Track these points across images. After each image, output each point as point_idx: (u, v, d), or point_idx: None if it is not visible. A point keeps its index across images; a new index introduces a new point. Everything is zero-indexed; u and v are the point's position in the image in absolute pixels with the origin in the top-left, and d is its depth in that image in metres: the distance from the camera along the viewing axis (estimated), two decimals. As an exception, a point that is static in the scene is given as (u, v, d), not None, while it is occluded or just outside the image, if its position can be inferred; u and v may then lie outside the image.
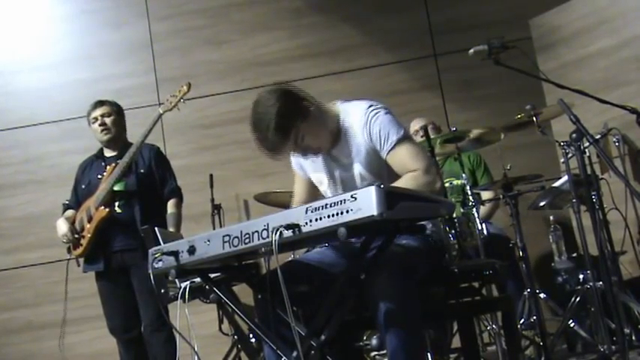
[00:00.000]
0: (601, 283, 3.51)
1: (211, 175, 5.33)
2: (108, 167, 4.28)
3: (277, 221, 2.23)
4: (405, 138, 2.67)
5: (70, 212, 4.36)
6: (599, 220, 3.12)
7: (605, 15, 4.84)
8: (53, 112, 5.87)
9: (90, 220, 4.18)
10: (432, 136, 4.52)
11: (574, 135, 2.91)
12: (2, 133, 5.86)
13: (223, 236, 2.40)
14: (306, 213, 2.17)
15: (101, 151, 4.46)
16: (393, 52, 5.81)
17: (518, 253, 3.75)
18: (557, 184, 4.00)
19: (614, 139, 4.47)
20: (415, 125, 4.75)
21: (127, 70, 5.90)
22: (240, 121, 5.72)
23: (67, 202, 4.46)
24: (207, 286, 2.85)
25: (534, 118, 3.87)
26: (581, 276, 3.80)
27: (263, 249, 2.34)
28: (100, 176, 4.30)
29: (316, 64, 5.86)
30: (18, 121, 5.87)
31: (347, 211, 2.07)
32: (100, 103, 4.41)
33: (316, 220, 2.14)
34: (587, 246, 3.55)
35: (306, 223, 2.16)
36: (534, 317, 3.69)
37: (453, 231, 3.74)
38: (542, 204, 4.03)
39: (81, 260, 4.29)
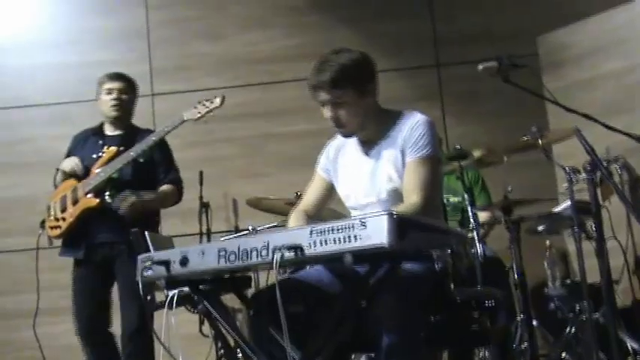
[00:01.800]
0: (597, 314, 3.46)
1: (201, 172, 5.18)
2: (107, 148, 3.99)
3: (279, 240, 2.11)
4: (434, 160, 2.62)
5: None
6: (605, 254, 3.02)
7: (618, 36, 4.76)
8: (42, 95, 5.73)
9: (75, 202, 3.90)
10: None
11: (588, 166, 2.81)
12: (-9, 112, 5.72)
13: (219, 250, 2.28)
14: (311, 235, 2.05)
15: (101, 127, 4.14)
16: (394, 58, 5.68)
17: (514, 279, 3.66)
18: (557, 209, 3.92)
19: (617, 166, 4.39)
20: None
21: (121, 57, 5.71)
22: (232, 118, 5.64)
23: (58, 169, 4.11)
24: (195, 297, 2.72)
25: (539, 141, 3.77)
26: (577, 306, 3.70)
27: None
28: (95, 155, 4.00)
29: (311, 65, 5.71)
30: (5, 101, 5.71)
31: (355, 238, 1.96)
32: (119, 77, 4.10)
33: (321, 243, 2.02)
34: (585, 276, 3.49)
35: (310, 246, 2.04)
36: (525, 344, 3.60)
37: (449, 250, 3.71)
38: (540, 229, 3.94)
39: (53, 239, 4.00)
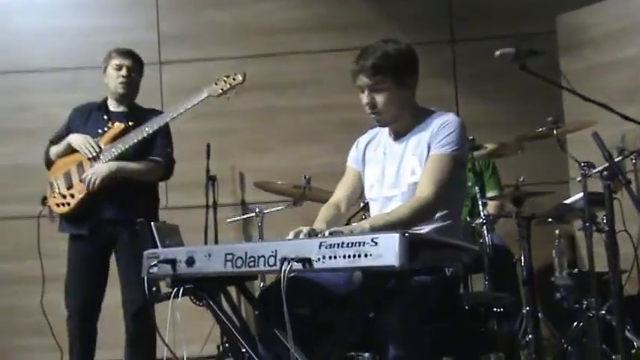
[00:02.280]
0: (603, 311, 3.44)
1: (208, 145, 5.12)
2: (113, 124, 3.94)
3: (287, 250, 2.07)
4: (457, 159, 2.60)
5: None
6: (616, 255, 2.97)
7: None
8: (48, 60, 5.65)
9: (83, 180, 3.85)
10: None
11: (605, 173, 2.75)
12: (-3, 76, 5.65)
13: (226, 254, 2.25)
14: (320, 248, 2.01)
15: (105, 102, 4.08)
16: (409, 33, 5.48)
17: (522, 274, 3.61)
18: (569, 201, 3.85)
19: (632, 157, 4.31)
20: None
21: (129, 23, 5.65)
22: (244, 89, 5.52)
23: (53, 141, 4.09)
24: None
25: (554, 131, 3.71)
26: (584, 301, 3.67)
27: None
28: (100, 130, 3.95)
29: (326, 37, 5.64)
30: (10, 64, 5.64)
31: (365, 255, 1.91)
32: (130, 54, 4.05)
33: (330, 257, 1.98)
34: (594, 271, 3.45)
35: (319, 259, 2.00)
36: (529, 337, 3.58)
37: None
38: (550, 219, 3.89)
39: (56, 216, 3.98)
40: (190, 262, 2.34)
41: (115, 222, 3.89)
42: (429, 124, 2.65)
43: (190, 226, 5.15)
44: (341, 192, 2.88)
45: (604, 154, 2.72)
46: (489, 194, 4.49)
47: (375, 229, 2.35)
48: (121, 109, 4.05)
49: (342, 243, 1.97)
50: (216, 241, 4.98)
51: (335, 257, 1.97)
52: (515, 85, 5.24)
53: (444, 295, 2.44)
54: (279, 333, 2.37)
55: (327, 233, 2.20)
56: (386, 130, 2.81)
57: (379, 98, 2.63)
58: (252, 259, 2.17)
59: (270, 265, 2.11)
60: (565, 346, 3.65)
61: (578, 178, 3.52)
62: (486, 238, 3.54)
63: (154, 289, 3.16)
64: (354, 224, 2.50)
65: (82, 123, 4.04)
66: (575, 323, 3.66)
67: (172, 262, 2.39)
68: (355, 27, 5.57)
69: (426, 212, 2.50)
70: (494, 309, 2.50)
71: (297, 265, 2.03)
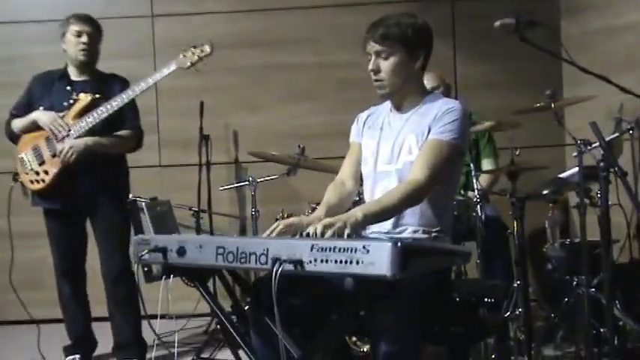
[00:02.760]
0: (593, 290, 3.46)
1: (202, 103, 5.05)
2: (77, 96, 3.90)
3: (278, 249, 2.04)
4: (454, 148, 2.56)
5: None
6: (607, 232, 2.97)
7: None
8: (40, 11, 5.53)
9: (54, 155, 3.84)
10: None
11: (602, 164, 2.71)
12: (-19, 26, 5.53)
13: (217, 247, 2.22)
14: (312, 250, 1.98)
15: (66, 70, 4.03)
16: (408, -11, 5.46)
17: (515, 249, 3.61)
18: (564, 175, 3.82)
19: (628, 126, 4.27)
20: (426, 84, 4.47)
21: (122, -25, 5.51)
22: (236, 45, 5.47)
23: (14, 113, 4.05)
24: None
25: (552, 105, 3.65)
26: (575, 279, 3.69)
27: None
28: (65, 103, 3.90)
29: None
30: (1, 16, 5.53)
31: (357, 262, 1.88)
32: (90, 20, 3.97)
33: (322, 261, 1.95)
34: (586, 249, 3.45)
35: (310, 262, 1.97)
36: (519, 310, 3.60)
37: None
38: (545, 192, 3.86)
39: (29, 192, 3.97)
40: (181, 252, 2.33)
41: (88, 195, 3.92)
42: (432, 106, 2.62)
43: (184, 184, 5.19)
44: (347, 169, 2.85)
45: (601, 144, 2.68)
46: (485, 162, 4.46)
47: (369, 217, 2.37)
48: (83, 77, 4.02)
49: (335, 247, 1.93)
50: (209, 201, 4.97)
51: (327, 261, 1.94)
52: (515, 46, 5.11)
53: (435, 288, 2.43)
54: (270, 322, 2.38)
55: (305, 233, 2.24)
56: (387, 105, 2.78)
57: (384, 65, 2.60)
58: (243, 254, 2.15)
59: (261, 263, 2.08)
60: (555, 320, 3.68)
61: (574, 154, 3.50)
62: (479, 211, 3.53)
63: (146, 269, 3.21)
64: (348, 212, 2.47)
65: (44, 93, 4.00)
66: (566, 299, 3.68)
67: (163, 250, 2.38)
68: (351, -18, 5.46)
69: (418, 197, 2.48)
70: (486, 299, 2.48)
71: (289, 266, 2.01)
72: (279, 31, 5.53)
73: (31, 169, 3.89)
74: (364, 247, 1.88)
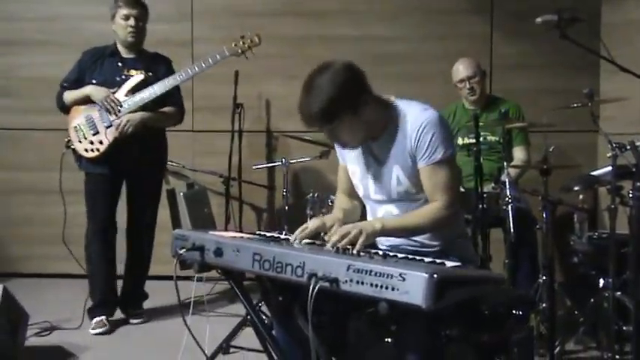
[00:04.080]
0: (619, 293, 3.49)
1: (237, 72, 5.06)
2: (129, 71, 4.23)
3: (315, 265, 2.09)
4: (449, 159, 2.54)
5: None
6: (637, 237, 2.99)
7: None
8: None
9: (109, 126, 4.15)
10: (477, 91, 4.35)
11: (638, 185, 2.72)
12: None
13: (254, 254, 2.28)
14: (348, 270, 2.02)
15: (116, 47, 4.32)
16: (447, -32, 5.39)
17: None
18: (596, 173, 3.83)
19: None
20: (461, 72, 4.45)
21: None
22: (277, 15, 5.45)
23: (65, 85, 4.32)
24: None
25: (589, 104, 3.64)
26: (601, 281, 3.72)
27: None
28: (117, 78, 4.22)
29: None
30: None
31: (392, 288, 1.92)
32: (137, 3, 4.24)
33: (357, 282, 2.00)
34: (615, 249, 3.47)
35: (346, 282, 2.02)
36: (543, 305, 3.65)
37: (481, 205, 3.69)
38: (576, 188, 3.87)
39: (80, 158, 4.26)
40: (219, 252, 2.40)
41: (133, 161, 4.23)
42: (403, 127, 2.55)
43: (215, 150, 5.25)
44: (343, 186, 2.87)
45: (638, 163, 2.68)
46: (516, 150, 4.45)
47: (387, 231, 2.48)
48: (132, 55, 4.29)
49: (371, 271, 1.97)
50: (239, 169, 5.04)
51: (362, 283, 1.98)
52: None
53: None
54: (303, 327, 2.44)
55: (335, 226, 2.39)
56: None
57: (341, 134, 2.54)
58: (279, 264, 2.20)
59: (297, 276, 2.13)
60: (579, 319, 3.72)
61: (609, 154, 3.49)
62: (509, 206, 3.56)
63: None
64: (365, 222, 2.54)
65: (96, 68, 4.28)
66: (592, 299, 3.71)
67: (201, 249, 2.46)
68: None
69: (445, 222, 2.54)
70: (514, 311, 2.51)
71: (325, 284, 2.06)
72: (318, 2, 5.50)
73: (85, 139, 4.18)
74: (400, 275, 1.92)
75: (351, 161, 2.76)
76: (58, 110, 4.37)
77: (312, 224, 2.58)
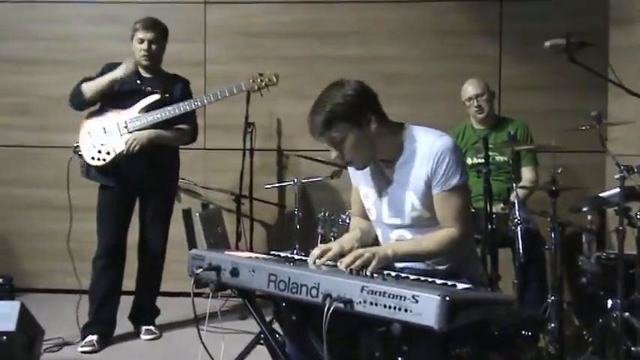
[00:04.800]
0: (627, 313, 3.53)
1: (248, 92, 5.12)
2: (145, 89, 4.30)
3: (329, 286, 2.15)
4: (463, 186, 2.60)
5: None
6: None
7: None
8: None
9: (119, 139, 4.24)
10: (485, 109, 4.37)
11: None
12: (44, 4, 5.69)
13: (270, 274, 2.34)
14: (362, 291, 2.08)
15: (136, 65, 4.36)
16: (456, -12, 5.46)
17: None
18: (604, 194, 3.87)
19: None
20: (469, 91, 4.51)
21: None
22: (289, 35, 5.54)
23: (86, 77, 4.39)
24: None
25: (597, 126, 3.70)
26: (609, 302, 3.75)
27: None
28: (136, 96, 4.29)
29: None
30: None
31: (405, 310, 1.99)
32: (152, 27, 4.32)
33: (371, 303, 2.06)
34: (623, 269, 3.51)
35: (360, 303, 2.08)
36: (552, 325, 3.69)
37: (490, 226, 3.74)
38: (584, 209, 3.92)
39: (85, 163, 4.31)
40: (235, 273, 2.46)
41: (142, 177, 4.29)
42: (418, 154, 2.59)
43: (226, 168, 5.32)
44: (356, 209, 2.94)
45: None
46: (524, 170, 4.50)
47: (398, 256, 2.52)
48: (149, 75, 4.38)
49: (384, 292, 2.03)
50: (250, 187, 5.11)
51: (376, 304, 2.04)
52: (562, 50, 5.13)
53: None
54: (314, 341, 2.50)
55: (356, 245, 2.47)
56: None
57: (345, 148, 2.57)
58: (294, 285, 2.26)
59: (312, 297, 2.19)
60: (588, 339, 3.75)
61: (616, 176, 3.55)
62: (517, 227, 3.60)
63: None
64: (379, 247, 2.60)
65: (118, 83, 4.30)
66: (600, 320, 3.75)
67: (217, 269, 2.52)
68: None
69: (456, 248, 2.58)
70: (524, 332, 2.57)
71: (339, 305, 2.11)
72: (329, 23, 5.58)
73: (94, 147, 4.25)
74: (413, 297, 1.98)
75: (363, 184, 2.80)
76: (74, 122, 4.42)
77: (334, 249, 2.60)
